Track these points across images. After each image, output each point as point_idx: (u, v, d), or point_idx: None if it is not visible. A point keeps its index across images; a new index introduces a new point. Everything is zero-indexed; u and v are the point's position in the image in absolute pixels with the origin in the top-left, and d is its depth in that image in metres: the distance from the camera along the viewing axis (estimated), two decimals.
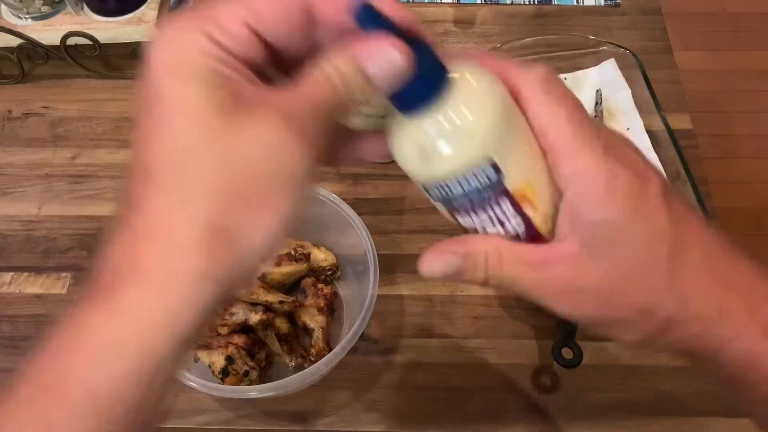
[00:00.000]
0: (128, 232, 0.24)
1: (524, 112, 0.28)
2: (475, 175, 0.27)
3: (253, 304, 0.58)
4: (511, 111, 0.28)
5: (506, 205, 0.28)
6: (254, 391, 0.53)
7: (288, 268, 0.61)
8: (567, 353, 0.56)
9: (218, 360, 0.56)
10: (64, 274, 0.66)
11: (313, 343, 0.59)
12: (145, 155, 0.24)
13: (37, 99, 0.79)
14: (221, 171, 0.23)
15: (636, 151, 0.29)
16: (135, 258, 0.24)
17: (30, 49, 0.77)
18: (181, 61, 0.24)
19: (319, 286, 0.61)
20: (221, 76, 0.24)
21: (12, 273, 0.67)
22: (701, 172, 0.68)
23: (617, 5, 0.86)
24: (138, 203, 0.24)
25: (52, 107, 0.79)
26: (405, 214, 0.69)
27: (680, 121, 0.73)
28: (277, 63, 0.27)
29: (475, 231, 0.30)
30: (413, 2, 0.87)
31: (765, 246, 1.48)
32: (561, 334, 0.57)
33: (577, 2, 0.86)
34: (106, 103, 0.79)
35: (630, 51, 0.73)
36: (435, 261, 0.29)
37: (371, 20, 0.25)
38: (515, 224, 0.29)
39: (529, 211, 0.29)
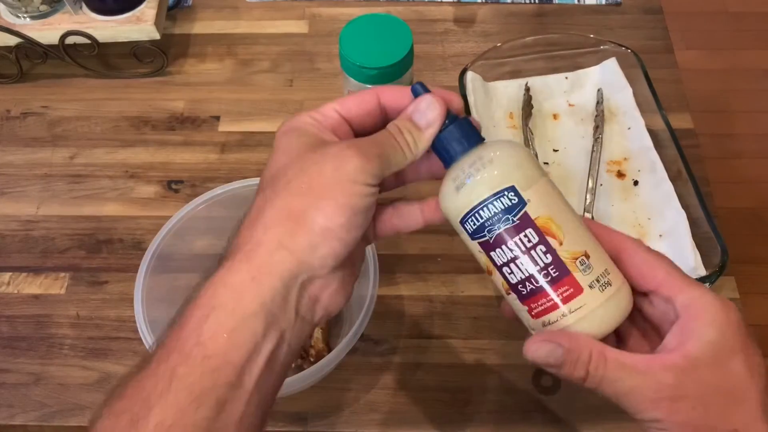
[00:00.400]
0: (245, 222, 0.35)
1: (627, 262, 0.35)
2: (500, 198, 0.34)
3: None
4: (534, 160, 0.36)
5: (531, 233, 0.34)
6: None
7: None
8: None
9: None
10: (62, 274, 0.66)
11: (312, 343, 0.59)
12: (262, 177, 0.36)
13: (35, 98, 0.79)
14: (297, 174, 0.34)
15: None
16: (240, 239, 0.34)
17: (28, 49, 0.77)
18: (291, 127, 0.36)
19: None
20: (312, 132, 0.36)
21: (10, 273, 0.66)
22: (703, 171, 0.68)
23: (618, 4, 0.86)
24: (252, 204, 0.36)
25: (50, 107, 0.78)
26: None
27: (681, 121, 0.73)
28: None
29: (510, 273, 0.35)
30: (413, 1, 0.86)
31: (766, 246, 1.48)
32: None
33: (578, 1, 0.86)
34: (104, 102, 0.78)
35: (631, 50, 0.73)
36: (541, 347, 0.34)
37: (422, 91, 0.37)
38: (541, 253, 0.34)
39: (553, 241, 0.34)
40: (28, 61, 0.80)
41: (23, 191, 0.72)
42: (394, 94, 0.38)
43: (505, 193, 0.34)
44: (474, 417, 0.58)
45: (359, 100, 0.37)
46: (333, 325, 0.61)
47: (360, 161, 0.33)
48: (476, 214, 0.35)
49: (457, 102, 0.37)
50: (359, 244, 0.36)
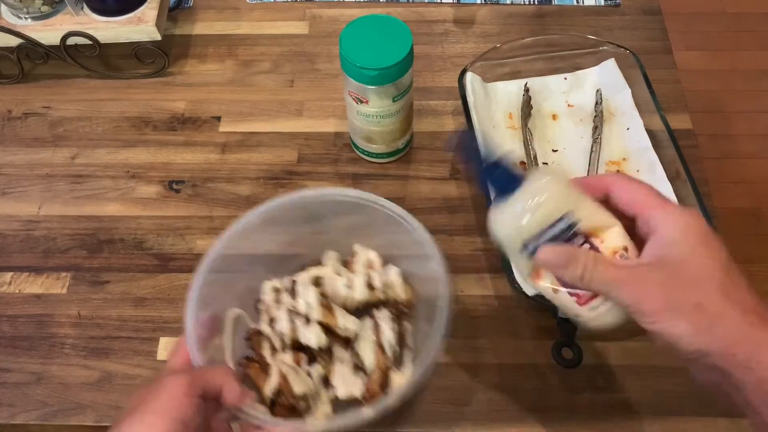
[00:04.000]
0: None
1: (615, 195, 0.43)
2: (557, 223, 0.41)
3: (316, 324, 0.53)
4: (571, 185, 0.43)
5: (579, 240, 0.42)
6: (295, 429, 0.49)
7: (361, 296, 0.56)
8: (567, 353, 0.56)
9: (268, 385, 0.51)
10: (63, 274, 0.66)
11: (368, 386, 0.52)
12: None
13: (36, 99, 0.79)
14: None
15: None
16: None
17: (30, 49, 0.77)
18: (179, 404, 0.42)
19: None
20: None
21: (12, 273, 0.67)
22: (701, 172, 0.68)
23: (617, 5, 0.86)
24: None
25: (51, 107, 0.79)
26: None
27: (680, 121, 0.73)
28: None
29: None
30: (413, 2, 0.87)
31: (765, 246, 1.48)
32: (561, 334, 0.57)
33: (577, 2, 0.86)
34: (105, 103, 0.79)
35: (630, 51, 0.73)
36: (549, 253, 0.41)
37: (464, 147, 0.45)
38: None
39: (596, 242, 0.42)
40: (30, 61, 0.80)
41: (25, 191, 0.72)
42: None
43: (563, 218, 0.41)
44: (474, 417, 0.58)
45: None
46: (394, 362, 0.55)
47: None
48: (537, 239, 0.42)
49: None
50: None
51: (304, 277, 0.57)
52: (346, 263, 0.59)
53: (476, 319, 0.63)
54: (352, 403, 0.53)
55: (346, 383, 0.53)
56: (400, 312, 0.56)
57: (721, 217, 0.66)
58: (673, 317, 0.37)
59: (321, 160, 0.73)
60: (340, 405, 0.53)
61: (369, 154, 0.72)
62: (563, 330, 0.57)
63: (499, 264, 0.61)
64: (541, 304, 0.58)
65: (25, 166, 0.74)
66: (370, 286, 0.56)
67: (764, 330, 0.36)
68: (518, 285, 0.58)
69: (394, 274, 0.57)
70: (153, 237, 0.69)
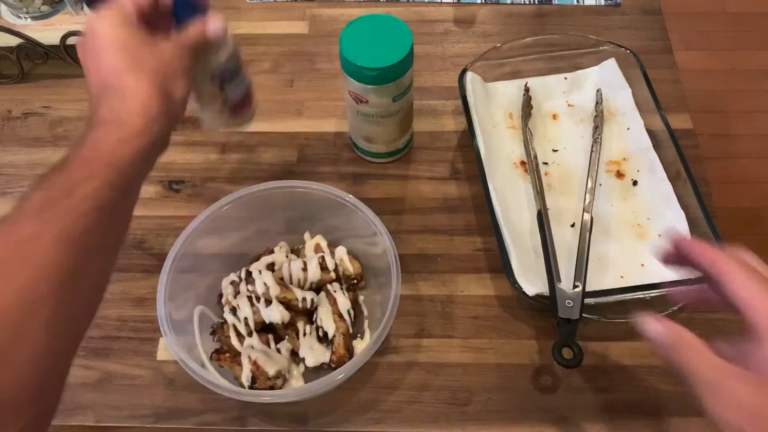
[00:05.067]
0: (109, 96, 0.44)
1: (728, 288, 0.39)
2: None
3: (274, 302, 0.58)
4: None
5: None
6: (276, 397, 0.55)
7: (315, 276, 0.61)
8: (567, 353, 0.56)
9: (243, 374, 0.56)
10: None
11: (333, 349, 0.58)
12: (111, 62, 0.45)
13: (36, 99, 0.79)
14: (159, 66, 0.46)
15: None
16: (117, 111, 0.44)
17: (30, 49, 0.77)
18: (118, 19, 0.47)
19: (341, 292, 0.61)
20: (136, 28, 0.47)
21: None
22: (701, 171, 0.68)
23: (617, 5, 0.86)
24: (113, 84, 0.45)
25: (51, 107, 0.79)
26: (405, 214, 0.69)
27: (680, 121, 0.73)
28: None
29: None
30: (413, 2, 0.87)
31: (765, 246, 1.48)
32: (561, 334, 0.57)
33: (578, 2, 0.86)
34: None
35: (630, 51, 0.73)
36: (654, 326, 0.41)
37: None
38: None
39: None
40: (29, 61, 0.80)
41: (24, 191, 0.72)
42: None
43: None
44: (474, 417, 0.58)
45: None
46: (353, 330, 0.60)
47: (188, 62, 0.49)
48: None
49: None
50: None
51: (257, 265, 0.62)
52: (296, 252, 0.65)
53: (476, 319, 0.63)
54: (322, 369, 0.58)
55: (314, 352, 0.58)
56: (351, 284, 0.62)
57: (721, 217, 0.66)
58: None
59: (321, 160, 0.73)
60: (310, 375, 0.58)
61: (369, 154, 0.71)
62: (563, 330, 0.57)
63: (499, 264, 0.61)
64: (542, 304, 0.58)
65: (25, 166, 0.74)
66: (323, 268, 0.61)
67: None
68: (518, 285, 0.58)
69: (341, 252, 0.63)
70: (153, 237, 0.69)
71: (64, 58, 0.78)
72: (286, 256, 0.64)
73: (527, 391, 0.59)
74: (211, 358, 0.57)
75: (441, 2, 0.87)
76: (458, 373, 0.60)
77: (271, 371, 0.55)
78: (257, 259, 0.64)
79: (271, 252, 0.64)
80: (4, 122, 0.78)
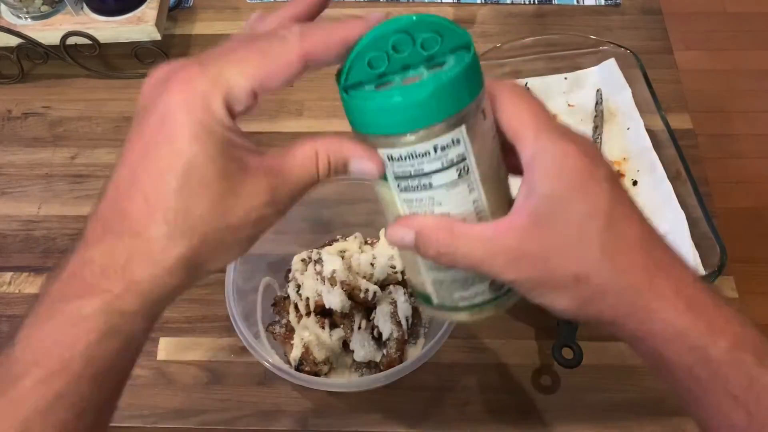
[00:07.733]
0: (113, 238, 0.30)
1: (496, 114, 0.32)
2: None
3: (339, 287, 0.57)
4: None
5: None
6: (324, 385, 0.55)
7: (381, 274, 0.60)
8: (567, 353, 0.56)
9: (291, 354, 0.57)
10: None
11: (386, 352, 0.57)
12: (147, 178, 0.29)
13: (36, 99, 0.79)
14: (213, 225, 0.29)
15: (593, 144, 0.33)
16: (121, 267, 0.29)
17: (30, 49, 0.77)
18: (200, 121, 0.29)
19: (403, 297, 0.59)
20: (230, 145, 0.30)
21: (11, 273, 0.67)
22: (701, 171, 0.68)
23: (617, 5, 0.86)
24: (135, 222, 0.29)
25: (51, 107, 0.79)
26: None
27: (680, 121, 0.73)
28: None
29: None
30: (413, 2, 0.87)
31: (765, 246, 1.48)
32: (561, 334, 0.57)
33: (578, 2, 0.86)
34: (105, 102, 0.79)
35: (630, 51, 0.73)
36: (396, 231, 0.33)
37: None
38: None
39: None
40: (30, 61, 0.80)
41: (24, 191, 0.72)
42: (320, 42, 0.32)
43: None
44: (474, 417, 0.58)
45: (279, 65, 0.31)
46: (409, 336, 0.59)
47: (275, 218, 0.31)
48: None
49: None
50: None
51: (330, 249, 0.62)
52: (370, 244, 0.64)
53: None
54: (370, 367, 0.58)
55: (364, 348, 0.57)
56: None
57: (721, 217, 0.66)
58: (552, 292, 0.32)
59: None
60: (360, 370, 0.59)
61: None
62: (563, 330, 0.57)
63: None
64: (541, 303, 0.58)
65: (25, 166, 0.74)
66: (391, 267, 0.60)
67: (653, 295, 0.31)
68: None
69: None
70: None
71: (64, 58, 0.78)
72: (359, 247, 0.63)
73: (527, 391, 0.59)
74: (267, 329, 0.59)
75: (441, 2, 0.87)
76: (458, 374, 0.60)
77: (320, 356, 0.56)
78: (330, 243, 0.64)
79: (345, 239, 0.64)
80: (4, 122, 0.78)
